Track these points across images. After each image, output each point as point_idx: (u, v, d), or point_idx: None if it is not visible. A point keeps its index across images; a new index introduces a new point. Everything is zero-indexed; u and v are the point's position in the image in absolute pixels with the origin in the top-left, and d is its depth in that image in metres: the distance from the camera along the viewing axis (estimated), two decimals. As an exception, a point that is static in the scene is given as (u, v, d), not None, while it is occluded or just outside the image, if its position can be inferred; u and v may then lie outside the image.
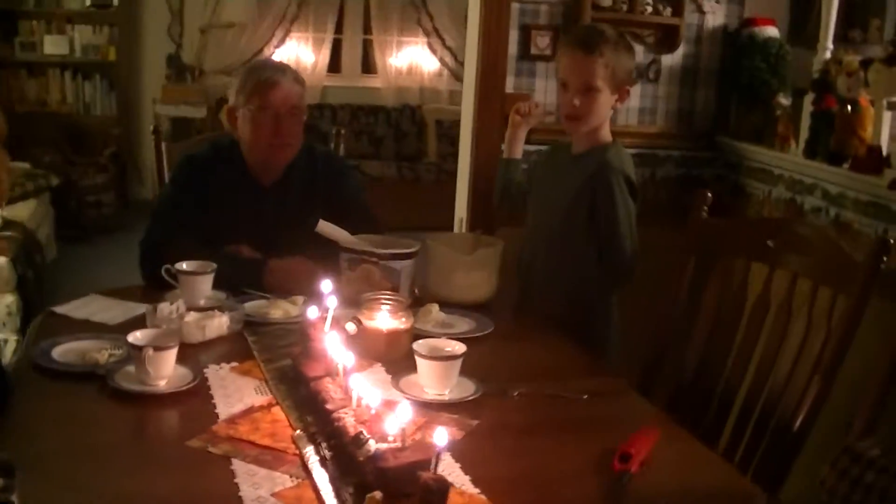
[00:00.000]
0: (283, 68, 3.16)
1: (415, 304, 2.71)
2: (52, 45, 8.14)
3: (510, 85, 4.05)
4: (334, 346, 2.11)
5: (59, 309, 2.80)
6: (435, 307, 2.70)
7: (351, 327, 2.37)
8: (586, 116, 2.91)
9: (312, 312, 2.30)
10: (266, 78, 3.07)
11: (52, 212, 6.71)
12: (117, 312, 2.72)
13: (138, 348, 2.18)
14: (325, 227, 2.91)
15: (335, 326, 2.26)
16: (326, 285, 2.28)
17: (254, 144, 3.10)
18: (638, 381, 2.62)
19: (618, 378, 2.45)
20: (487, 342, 2.59)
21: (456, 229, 4.21)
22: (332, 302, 2.26)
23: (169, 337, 2.26)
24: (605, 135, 3.01)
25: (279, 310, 2.70)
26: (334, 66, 8.78)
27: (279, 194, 3.16)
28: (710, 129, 4.44)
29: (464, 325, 2.68)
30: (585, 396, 2.24)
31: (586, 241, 2.94)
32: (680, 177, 4.38)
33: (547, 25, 4.10)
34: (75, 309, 2.78)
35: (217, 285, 2.79)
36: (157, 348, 2.18)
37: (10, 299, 4.73)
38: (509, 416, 2.15)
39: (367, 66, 8.82)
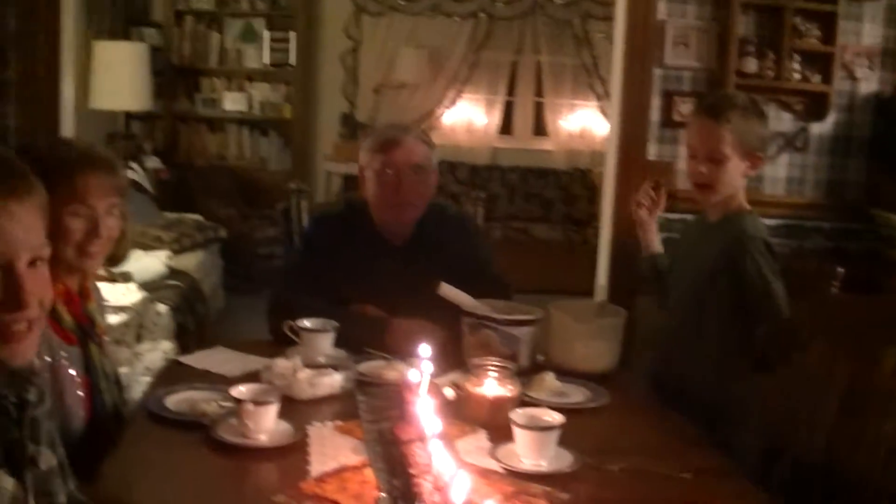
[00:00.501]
0: (407, 128, 3.21)
1: (533, 371, 2.68)
2: (232, 102, 8.45)
3: (652, 152, 3.99)
4: (426, 411, 2.09)
5: (184, 358, 2.89)
6: (550, 375, 2.65)
7: (449, 392, 2.35)
8: (716, 185, 2.84)
9: (413, 375, 2.29)
10: (389, 137, 3.11)
11: (220, 263, 6.91)
12: (237, 365, 2.77)
13: (240, 402, 2.21)
14: (448, 291, 2.90)
15: (433, 391, 2.24)
16: (425, 349, 2.27)
17: (377, 203, 3.13)
18: (756, 462, 2.51)
19: (725, 458, 2.35)
20: (600, 414, 2.54)
21: (597, 296, 4.16)
22: (428, 366, 2.25)
23: (270, 393, 2.29)
24: (740, 203, 2.92)
25: (395, 371, 2.70)
26: (506, 127, 8.82)
27: (408, 254, 3.16)
28: (862, 200, 4.26)
29: (578, 395, 2.62)
30: (688, 475, 2.15)
31: (729, 312, 2.84)
32: (829, 250, 4.21)
33: (690, 92, 4.04)
34: (199, 359, 2.86)
35: (339, 343, 2.80)
36: (258, 403, 2.22)
37: (167, 346, 4.87)
38: (604, 492, 2.09)
39: (539, 129, 8.84)
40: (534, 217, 8.30)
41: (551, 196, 8.44)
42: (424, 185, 3.12)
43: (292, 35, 8.29)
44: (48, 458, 1.70)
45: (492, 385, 2.42)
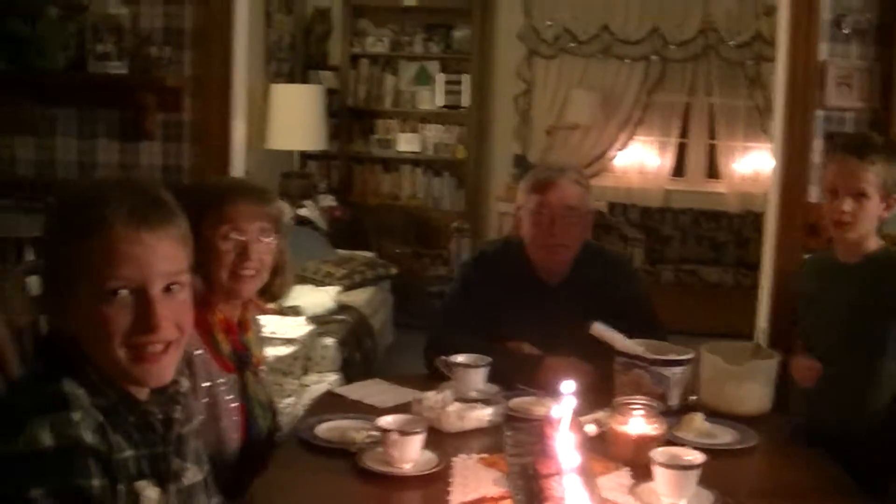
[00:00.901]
0: (563, 168, 3.20)
1: (684, 411, 2.65)
2: (406, 143, 8.62)
3: (812, 194, 3.89)
4: (567, 446, 2.10)
5: (339, 389, 2.98)
6: (699, 416, 2.62)
7: (591, 428, 2.35)
8: (857, 222, 2.77)
9: (556, 411, 2.30)
10: (544, 178, 3.13)
11: (391, 299, 7.05)
12: (390, 397, 2.83)
13: (386, 431, 2.27)
14: (600, 330, 2.91)
15: (575, 426, 2.24)
16: (568, 385, 2.27)
17: (531, 243, 3.15)
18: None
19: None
20: (747, 456, 2.50)
21: (757, 339, 4.07)
22: (571, 402, 2.25)
23: (416, 423, 2.33)
24: (875, 241, 2.85)
25: (543, 407, 2.71)
26: (678, 169, 8.74)
27: (564, 294, 3.17)
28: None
29: (726, 436, 2.58)
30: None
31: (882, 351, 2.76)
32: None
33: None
34: (354, 390, 2.94)
35: (492, 379, 2.83)
36: (403, 433, 2.26)
37: (332, 378, 5.00)
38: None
39: (711, 171, 8.71)
40: (705, 260, 8.17)
41: (723, 239, 8.29)
42: (577, 227, 3.13)
43: (466, 77, 8.40)
44: (193, 474, 1.79)
45: (637, 423, 2.40)
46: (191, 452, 1.80)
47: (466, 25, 8.38)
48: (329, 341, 5.18)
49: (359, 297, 6.25)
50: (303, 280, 6.32)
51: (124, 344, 1.59)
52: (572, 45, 8.35)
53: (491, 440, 2.52)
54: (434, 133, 8.64)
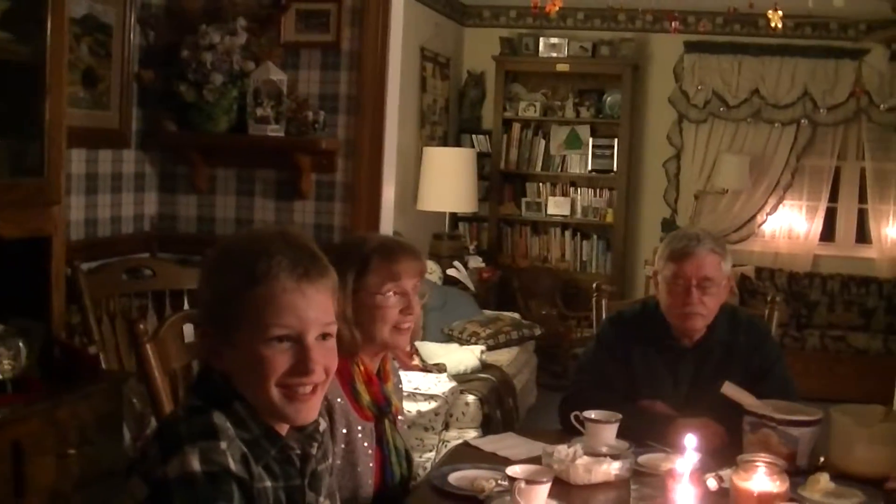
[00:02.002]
0: (699, 237, 3.20)
1: (812, 472, 2.66)
2: (555, 207, 8.74)
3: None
4: (686, 500, 2.15)
5: (475, 441, 3.07)
6: (825, 477, 2.62)
7: (712, 483, 2.39)
8: None
9: (679, 465, 2.35)
10: (681, 248, 3.15)
11: (535, 360, 7.12)
12: (523, 449, 2.91)
13: (513, 480, 2.36)
14: (730, 390, 2.95)
15: (695, 480, 2.29)
16: (691, 440, 2.32)
17: (667, 309, 3.19)
18: None
19: None
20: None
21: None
22: (692, 456, 2.30)
23: (544, 473, 2.41)
24: None
25: (671, 464, 2.75)
26: (827, 234, 8.61)
27: (698, 356, 3.21)
28: None
29: (852, 498, 2.58)
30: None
31: None
32: None
33: None
34: (488, 443, 3.03)
35: (624, 436, 2.89)
36: (530, 482, 2.34)
37: (472, 434, 5.09)
38: None
39: (862, 236, 8.56)
40: (853, 326, 8.00)
41: (872, 305, 8.11)
42: (713, 297, 3.14)
43: (615, 142, 8.48)
44: None
45: (760, 480, 2.43)
46: (324, 488, 1.94)
47: (617, 90, 8.49)
48: (471, 398, 5.28)
49: (503, 356, 6.35)
50: (449, 339, 6.46)
51: (279, 384, 1.75)
52: (722, 109, 8.38)
53: (618, 494, 2.58)
54: (583, 197, 8.74)
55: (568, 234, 8.79)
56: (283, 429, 1.83)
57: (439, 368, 5.64)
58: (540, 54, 8.54)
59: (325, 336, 1.80)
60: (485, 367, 5.99)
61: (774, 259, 8.53)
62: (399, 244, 2.66)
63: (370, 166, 4.21)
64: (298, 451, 1.86)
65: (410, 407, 5.15)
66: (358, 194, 4.25)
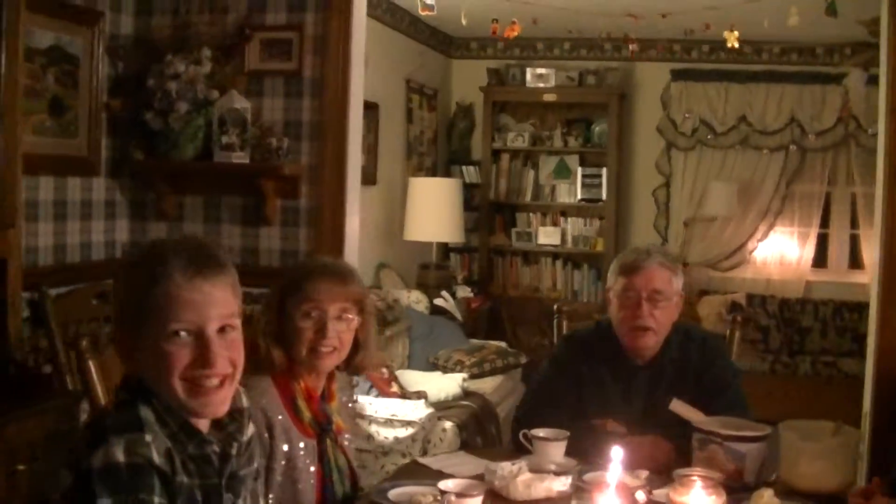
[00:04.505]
0: (649, 251, 3.23)
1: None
2: (546, 236, 8.75)
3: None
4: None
5: (423, 460, 3.08)
6: (768, 492, 2.61)
7: (641, 496, 2.39)
8: None
9: (609, 479, 2.34)
10: (631, 261, 3.18)
11: (521, 388, 7.10)
12: (470, 468, 2.91)
13: (444, 493, 2.37)
14: (679, 407, 2.96)
15: (624, 494, 2.29)
16: (617, 452, 2.32)
17: (618, 325, 3.20)
18: None
19: None
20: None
21: (861, 425, 4.01)
22: (616, 470, 2.30)
23: (475, 487, 2.42)
24: None
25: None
26: (819, 260, 8.60)
27: (651, 374, 3.20)
28: None
29: (795, 514, 2.58)
30: None
31: None
32: None
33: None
34: (438, 461, 3.04)
35: (573, 454, 2.89)
36: (460, 496, 2.36)
37: (450, 462, 5.10)
38: None
39: (854, 261, 8.55)
40: (845, 352, 7.98)
41: (865, 330, 8.08)
42: (663, 311, 3.15)
43: (604, 171, 8.51)
44: None
45: (697, 496, 2.43)
46: (247, 493, 1.98)
47: (604, 119, 8.53)
48: (448, 425, 5.28)
49: (486, 384, 6.35)
50: (434, 367, 6.47)
51: (183, 378, 1.79)
52: (710, 136, 8.41)
53: (556, 509, 2.58)
54: (574, 226, 8.76)
55: (559, 263, 8.80)
56: (203, 426, 1.86)
57: (419, 395, 5.64)
58: (527, 84, 8.58)
59: (225, 329, 1.84)
60: (467, 394, 6.00)
61: (766, 286, 8.52)
62: (326, 267, 2.69)
63: (333, 192, 4.25)
64: (217, 450, 1.89)
65: (388, 433, 5.17)
66: (321, 219, 4.28)
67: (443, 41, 8.69)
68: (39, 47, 3.88)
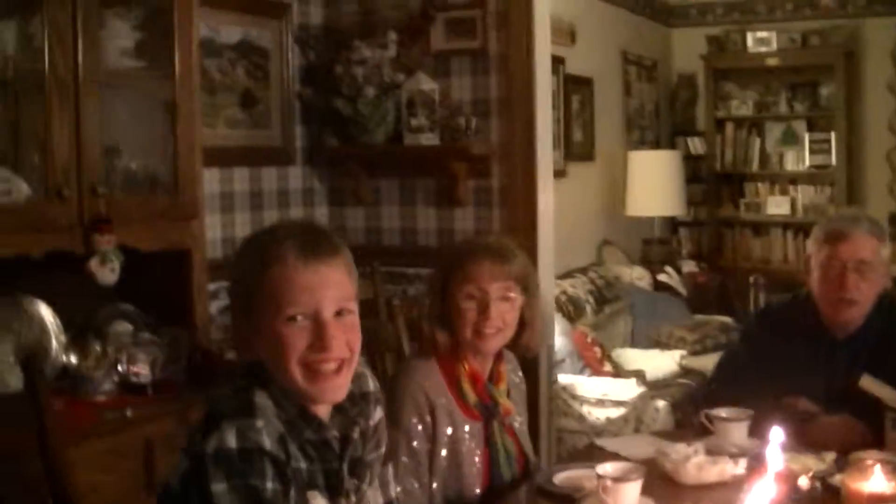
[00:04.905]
0: (857, 218, 3.02)
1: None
2: (776, 206, 8.39)
3: None
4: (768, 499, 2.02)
5: (601, 441, 3.00)
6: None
7: (804, 481, 2.24)
8: None
9: (772, 462, 2.20)
10: (837, 229, 2.96)
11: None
12: (647, 450, 2.80)
13: (601, 478, 2.29)
14: (869, 383, 2.76)
15: (783, 480, 2.14)
16: (777, 434, 2.17)
17: (820, 296, 3.00)
18: None
19: None
20: None
21: None
22: (776, 453, 2.15)
23: (633, 471, 2.32)
24: None
25: (798, 464, 2.59)
26: None
27: (853, 348, 3.00)
28: None
29: None
30: None
31: None
32: None
33: None
34: (616, 443, 2.95)
35: (758, 434, 2.75)
36: (617, 480, 2.27)
37: (663, 441, 4.98)
38: None
39: None
40: None
41: None
42: (869, 283, 2.93)
43: (833, 135, 8.08)
44: (373, 497, 1.98)
45: (876, 480, 2.25)
46: (371, 476, 1.97)
47: (832, 81, 8.08)
48: (661, 404, 5.15)
49: (707, 361, 6.12)
50: (657, 344, 6.34)
51: (301, 363, 1.78)
52: (949, 92, 7.83)
53: (728, 494, 2.43)
54: (804, 194, 8.36)
55: (790, 233, 8.42)
56: (322, 411, 1.86)
57: (638, 374, 5.53)
58: (749, 49, 8.24)
59: (342, 312, 1.82)
60: (686, 372, 5.84)
61: None
62: (483, 247, 2.64)
63: (523, 171, 4.19)
64: (337, 434, 1.88)
65: (599, 414, 5.09)
66: (513, 199, 4.23)
67: (660, 10, 8.46)
68: (228, 42, 4.01)
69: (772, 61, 8.19)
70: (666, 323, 6.54)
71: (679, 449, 2.62)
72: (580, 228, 6.92)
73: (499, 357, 2.69)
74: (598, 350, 5.56)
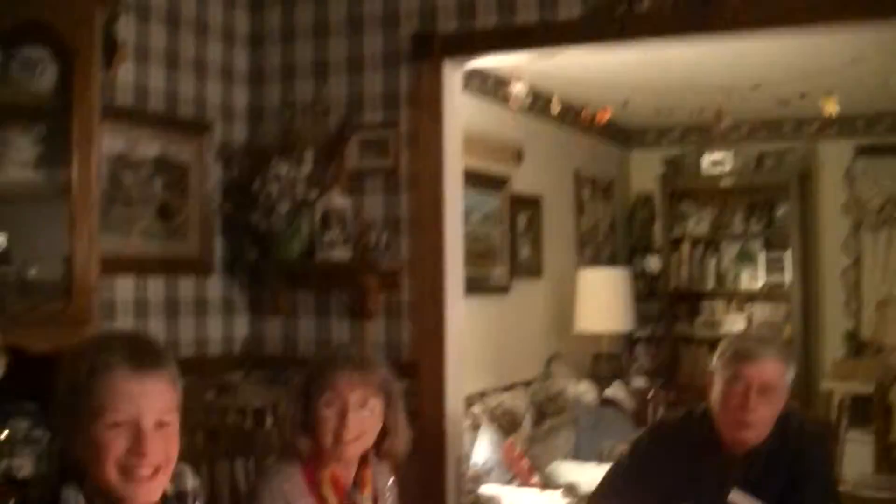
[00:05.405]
0: (770, 341, 3.03)
1: None
2: (731, 323, 8.47)
3: None
4: None
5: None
6: None
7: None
8: None
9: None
10: (746, 348, 2.96)
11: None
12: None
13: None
14: (738, 498, 2.81)
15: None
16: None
17: (719, 414, 2.98)
18: None
19: None
20: None
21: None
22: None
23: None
24: None
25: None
26: None
27: (745, 464, 2.98)
28: None
29: None
30: None
31: None
32: None
33: None
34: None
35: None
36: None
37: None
38: None
39: None
40: None
41: None
42: (770, 408, 2.93)
43: (788, 253, 8.21)
44: None
45: None
46: None
47: (787, 201, 8.24)
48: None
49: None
50: (599, 458, 6.37)
51: (117, 465, 1.88)
52: (897, 215, 7.98)
53: None
54: (760, 312, 8.47)
55: (746, 350, 8.48)
56: None
57: (569, 488, 5.57)
58: (704, 172, 8.43)
59: (162, 424, 1.93)
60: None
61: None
62: (345, 357, 2.74)
63: (432, 285, 4.30)
64: None
65: (520, 526, 5.12)
66: (422, 313, 4.34)
67: (617, 133, 8.67)
68: (145, 157, 4.17)
69: (727, 182, 8.37)
70: (608, 437, 6.58)
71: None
72: (526, 342, 7.02)
73: (364, 463, 2.76)
74: (525, 462, 5.61)
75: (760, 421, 2.91)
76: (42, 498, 1.89)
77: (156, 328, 4.25)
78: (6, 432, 3.24)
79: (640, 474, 3.12)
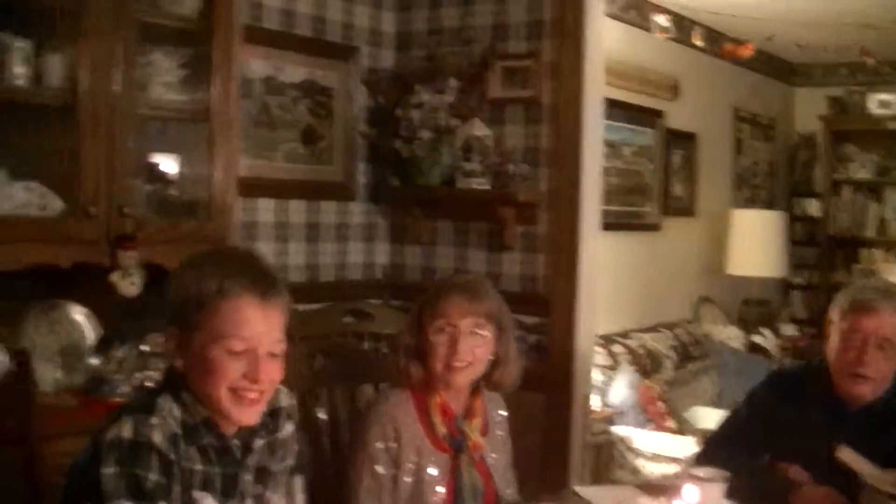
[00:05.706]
0: (888, 292, 2.88)
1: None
2: (891, 275, 8.14)
3: None
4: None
5: (580, 489, 3.03)
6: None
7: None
8: None
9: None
10: (864, 300, 2.83)
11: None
12: (617, 501, 2.84)
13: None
14: (847, 456, 2.70)
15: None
16: (691, 492, 2.18)
17: (835, 367, 2.88)
18: None
19: None
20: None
21: None
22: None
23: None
24: None
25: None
26: None
27: (862, 419, 2.87)
28: None
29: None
30: None
31: None
32: None
33: None
34: (593, 492, 2.98)
35: (736, 496, 2.74)
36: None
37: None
38: None
39: None
40: None
41: None
42: (888, 363, 2.81)
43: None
44: (276, 501, 2.12)
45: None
46: (278, 485, 2.13)
47: (957, 148, 7.87)
48: (714, 464, 5.09)
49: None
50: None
51: (229, 387, 1.94)
52: None
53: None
54: (921, 260, 8.15)
55: (898, 302, 8.16)
56: (228, 422, 2.00)
57: (704, 433, 5.49)
58: (869, 112, 8.08)
59: (272, 354, 1.98)
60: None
61: None
62: (455, 284, 2.74)
63: (569, 219, 4.25)
64: (238, 443, 2.02)
65: (653, 468, 5.08)
66: (557, 247, 4.29)
67: (782, 68, 8.38)
68: (292, 81, 4.22)
69: (893, 125, 8.01)
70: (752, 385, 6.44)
71: (643, 502, 2.66)
72: (675, 283, 6.90)
73: (476, 392, 2.77)
74: (661, 405, 5.54)
75: (877, 374, 2.80)
76: (135, 405, 1.94)
77: (296, 251, 4.33)
78: (146, 346, 3.37)
79: (754, 423, 3.04)
